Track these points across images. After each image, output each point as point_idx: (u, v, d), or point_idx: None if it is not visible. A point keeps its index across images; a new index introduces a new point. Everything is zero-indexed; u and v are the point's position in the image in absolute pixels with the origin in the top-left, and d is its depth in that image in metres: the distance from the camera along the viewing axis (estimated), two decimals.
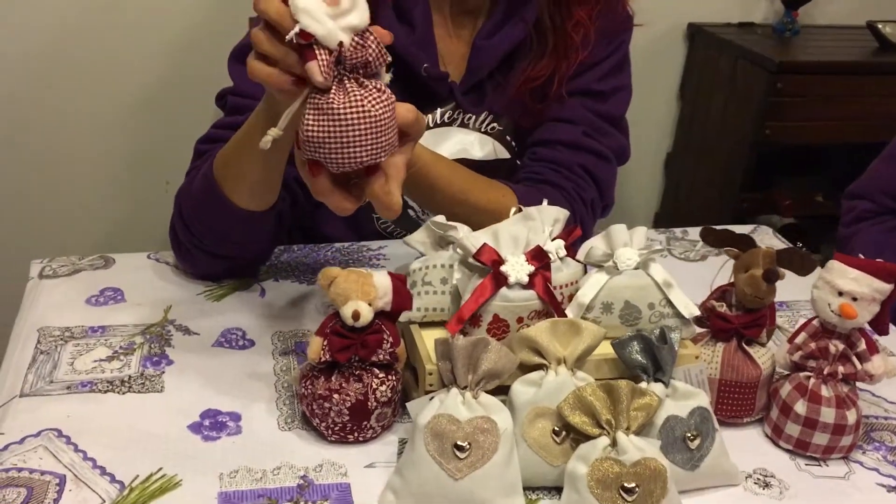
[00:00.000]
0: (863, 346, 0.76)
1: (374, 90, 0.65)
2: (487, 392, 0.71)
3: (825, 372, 0.76)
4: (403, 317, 0.77)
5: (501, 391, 0.73)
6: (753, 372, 0.78)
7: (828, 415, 0.75)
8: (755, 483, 0.74)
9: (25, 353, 0.84)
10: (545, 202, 0.86)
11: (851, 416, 0.75)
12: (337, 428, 0.73)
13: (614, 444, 0.67)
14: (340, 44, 0.63)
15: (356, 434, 0.74)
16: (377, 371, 0.74)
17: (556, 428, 0.70)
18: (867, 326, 0.77)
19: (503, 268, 0.76)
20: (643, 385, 0.72)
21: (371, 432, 0.75)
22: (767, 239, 1.20)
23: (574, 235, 0.86)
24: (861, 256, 0.77)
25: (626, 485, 0.65)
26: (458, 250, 0.81)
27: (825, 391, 0.75)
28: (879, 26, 1.88)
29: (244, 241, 0.94)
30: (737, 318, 0.79)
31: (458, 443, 0.67)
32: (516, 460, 0.69)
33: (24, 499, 0.66)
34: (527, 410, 0.71)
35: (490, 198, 0.94)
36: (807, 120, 1.73)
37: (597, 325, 0.80)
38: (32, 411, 0.76)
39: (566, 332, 0.73)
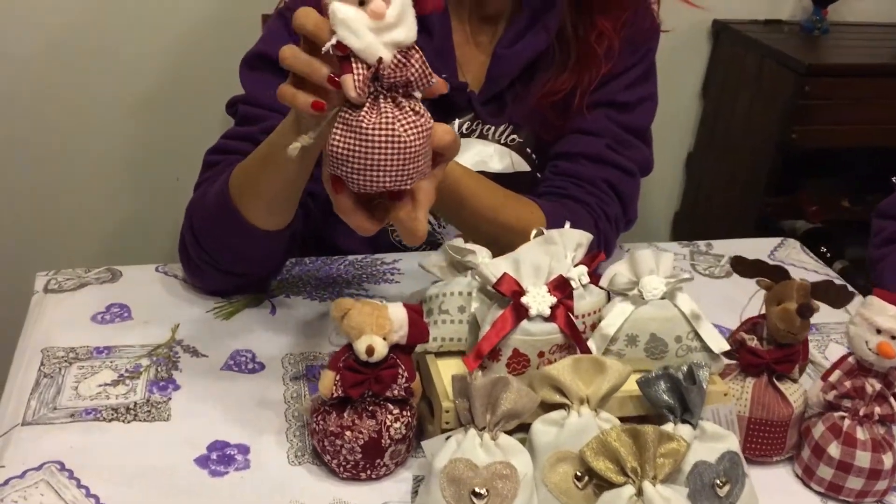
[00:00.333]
0: None
1: (409, 113, 0.62)
2: (506, 432, 0.68)
3: (861, 413, 0.72)
4: (418, 347, 0.74)
5: (521, 427, 0.70)
6: (785, 410, 0.75)
7: (863, 458, 0.72)
8: None
9: (28, 375, 0.81)
10: (567, 225, 0.83)
11: (888, 460, 0.72)
12: (349, 465, 0.71)
13: (640, 493, 0.63)
14: (380, 60, 0.60)
15: (369, 472, 0.71)
16: (391, 407, 0.71)
17: (579, 473, 0.67)
18: None
19: (524, 299, 0.73)
20: (670, 427, 0.69)
21: (384, 470, 0.72)
22: (795, 253, 1.16)
23: (597, 261, 0.82)
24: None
25: None
26: (477, 277, 0.77)
27: (861, 433, 0.72)
28: None
29: (258, 259, 0.91)
30: (768, 352, 0.76)
31: (476, 489, 0.64)
32: None
33: None
34: (548, 454, 0.67)
35: (519, 215, 0.90)
36: (835, 123, 1.68)
37: (621, 357, 0.77)
38: (35, 441, 0.73)
39: (590, 370, 0.70)
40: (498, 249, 0.91)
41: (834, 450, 0.72)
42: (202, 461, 0.72)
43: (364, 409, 0.70)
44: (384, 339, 0.69)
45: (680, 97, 1.89)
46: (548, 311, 0.73)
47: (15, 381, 0.81)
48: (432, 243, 1.06)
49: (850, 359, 0.74)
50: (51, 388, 0.80)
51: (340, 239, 1.08)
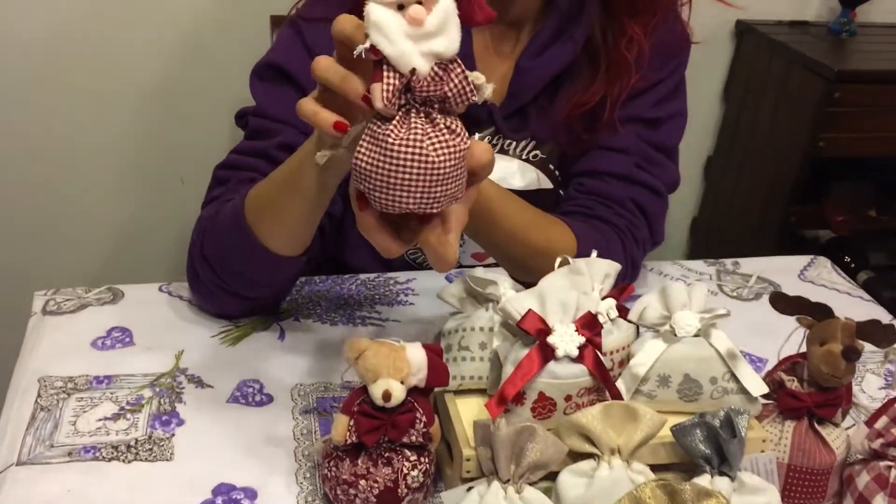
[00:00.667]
0: None
1: (443, 130, 0.57)
2: (531, 483, 0.63)
3: None
4: None
5: (548, 475, 0.65)
6: (827, 458, 0.70)
7: None
8: None
9: (25, 408, 0.77)
10: (594, 253, 0.78)
11: None
12: None
13: None
14: (413, 70, 0.54)
15: None
16: (408, 453, 0.67)
17: None
18: None
19: (550, 339, 0.68)
20: (706, 480, 0.64)
21: None
22: (826, 273, 1.11)
23: (626, 293, 0.77)
24: None
25: None
26: (499, 312, 0.73)
27: None
28: None
29: (274, 284, 0.87)
30: (809, 395, 0.71)
31: None
32: None
33: None
34: None
35: (549, 236, 0.85)
36: (864, 131, 1.62)
37: (652, 399, 0.73)
38: (30, 483, 0.69)
39: (621, 418, 0.65)
40: (525, 272, 0.87)
41: (880, 502, 0.68)
42: None
43: (380, 456, 0.66)
44: (402, 382, 0.65)
45: (700, 99, 1.84)
46: (576, 352, 0.68)
47: (10, 413, 0.77)
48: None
49: None
50: (48, 423, 0.76)
51: (349, 255, 1.03)
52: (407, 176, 0.56)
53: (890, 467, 0.68)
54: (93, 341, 0.87)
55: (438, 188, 0.57)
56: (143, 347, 0.86)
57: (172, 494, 0.69)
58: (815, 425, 0.71)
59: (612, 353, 0.75)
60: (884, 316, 1.00)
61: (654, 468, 0.67)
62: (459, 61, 0.56)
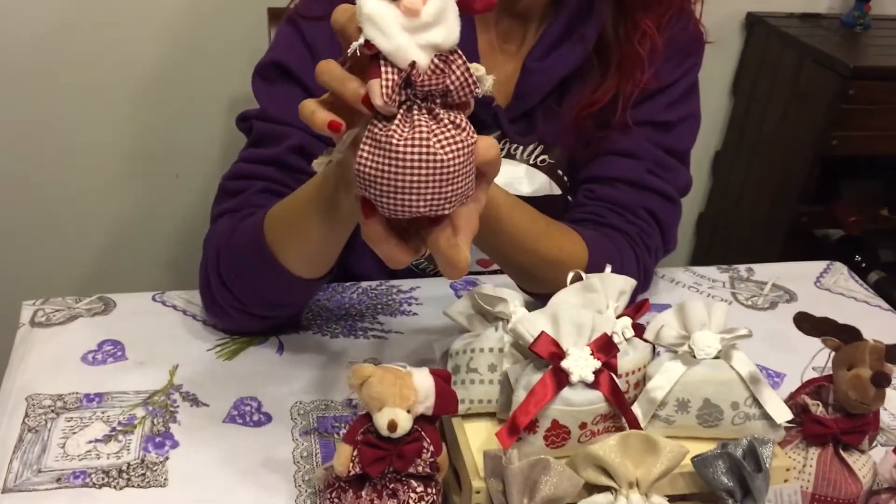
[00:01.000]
0: None
1: (448, 126, 0.53)
2: None
3: None
4: None
5: None
6: (853, 487, 0.67)
7: None
8: None
9: (12, 429, 0.74)
10: (608, 269, 0.74)
11: None
12: None
13: None
14: (413, 64, 0.51)
15: None
16: (415, 484, 0.63)
17: None
18: None
19: (564, 363, 0.64)
20: None
21: None
22: (843, 280, 1.07)
23: (642, 312, 0.74)
24: None
25: None
26: (510, 332, 0.69)
27: None
28: None
29: (294, 303, 0.84)
30: (835, 422, 0.68)
31: None
32: None
33: None
34: None
35: (561, 246, 0.81)
36: (878, 129, 1.58)
37: (670, 424, 0.69)
38: None
39: (640, 449, 0.62)
40: (533, 281, 0.84)
41: None
42: None
43: (384, 487, 0.63)
44: (408, 411, 0.61)
45: (708, 92, 1.78)
46: (591, 377, 0.64)
47: None
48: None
49: None
50: (35, 446, 0.72)
51: (354, 261, 1.00)
52: (415, 178, 0.53)
53: None
54: (83, 355, 0.83)
55: (449, 187, 0.54)
56: (136, 362, 0.83)
57: None
58: (841, 452, 0.68)
59: (627, 374, 0.71)
60: None
61: (673, 498, 0.64)
62: (460, 52, 0.53)
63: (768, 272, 1.07)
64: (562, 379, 0.64)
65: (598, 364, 0.65)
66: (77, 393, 0.78)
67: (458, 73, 0.52)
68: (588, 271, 0.77)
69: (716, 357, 0.69)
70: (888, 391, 0.89)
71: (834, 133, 1.56)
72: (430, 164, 0.52)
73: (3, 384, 0.80)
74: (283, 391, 0.81)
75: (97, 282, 1.74)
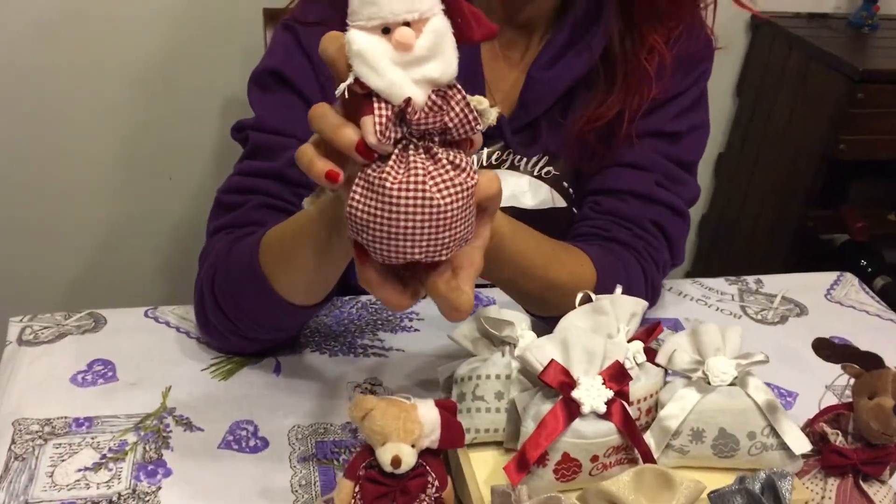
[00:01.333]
0: None
1: (447, 167, 0.50)
2: None
3: None
4: None
5: None
6: None
7: None
8: None
9: None
10: (619, 290, 0.71)
11: None
12: None
13: None
14: (408, 100, 0.48)
15: None
16: None
17: None
18: None
19: (575, 393, 0.62)
20: None
21: None
22: (854, 292, 1.05)
23: (655, 335, 0.71)
24: None
25: None
26: (518, 359, 0.66)
27: None
28: None
29: (290, 328, 0.81)
30: (856, 452, 0.65)
31: None
32: None
33: None
34: None
35: (570, 269, 0.78)
36: (887, 133, 1.54)
37: (684, 455, 0.67)
38: None
39: (655, 485, 0.59)
40: (541, 306, 0.80)
41: None
42: None
43: None
44: (413, 446, 0.58)
45: (711, 93, 1.75)
46: (603, 408, 0.62)
47: None
48: None
49: None
50: (22, 475, 0.69)
51: (351, 276, 0.96)
52: (410, 223, 0.49)
53: None
54: (72, 376, 0.80)
55: (446, 233, 0.51)
56: (127, 383, 0.80)
57: None
58: (861, 483, 0.65)
59: (639, 401, 0.68)
60: None
61: None
62: (459, 87, 0.50)
63: (777, 284, 1.05)
64: (573, 410, 0.62)
65: (610, 394, 0.62)
66: (66, 417, 0.75)
67: (457, 109, 0.49)
68: (596, 292, 0.74)
69: (731, 384, 0.67)
70: None
71: (841, 137, 1.53)
72: (426, 209, 0.49)
73: None
74: (281, 414, 0.78)
75: (88, 287, 1.71)
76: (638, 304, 0.71)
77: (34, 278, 1.69)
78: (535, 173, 0.91)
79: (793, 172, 1.66)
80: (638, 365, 0.69)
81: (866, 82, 1.49)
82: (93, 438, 0.73)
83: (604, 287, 0.78)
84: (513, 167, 0.91)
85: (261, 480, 0.70)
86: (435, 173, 0.49)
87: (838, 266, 1.11)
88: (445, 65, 0.48)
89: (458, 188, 0.50)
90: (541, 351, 0.63)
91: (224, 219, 0.82)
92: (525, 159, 0.91)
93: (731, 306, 1.00)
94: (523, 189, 0.90)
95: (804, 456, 0.68)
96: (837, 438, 0.66)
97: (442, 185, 0.49)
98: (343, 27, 0.49)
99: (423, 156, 0.50)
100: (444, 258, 0.52)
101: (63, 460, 0.71)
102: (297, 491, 0.70)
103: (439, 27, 0.47)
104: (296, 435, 0.76)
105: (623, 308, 0.70)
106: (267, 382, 0.81)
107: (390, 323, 0.91)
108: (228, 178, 0.85)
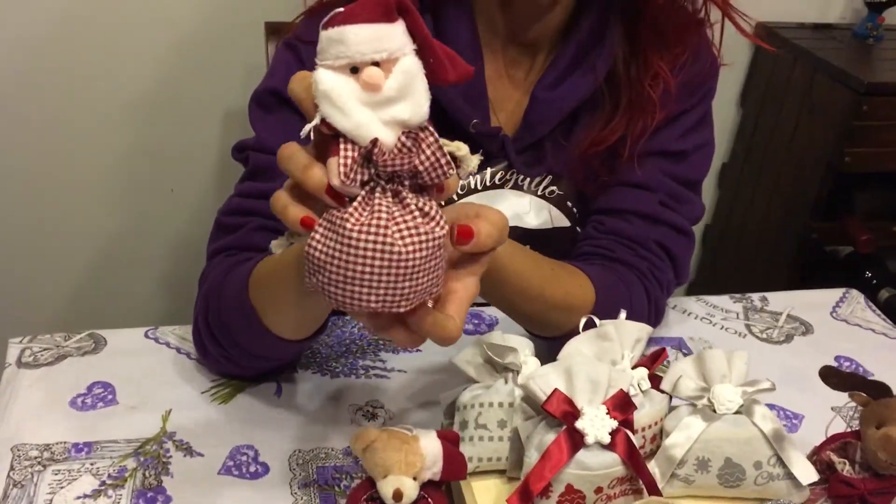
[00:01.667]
0: None
1: (414, 214, 0.48)
2: None
3: None
4: None
5: None
6: None
7: None
8: None
9: None
10: (623, 315, 0.71)
11: None
12: None
13: None
14: (375, 141, 0.46)
15: None
16: None
17: None
18: None
19: (579, 423, 0.61)
20: None
21: None
22: (860, 310, 1.04)
23: (660, 361, 0.70)
24: None
25: None
26: (521, 387, 0.66)
27: None
28: None
29: (283, 358, 0.80)
30: (863, 482, 0.64)
31: None
32: None
33: None
34: None
35: (568, 290, 0.77)
36: (893, 145, 1.53)
37: (689, 485, 0.66)
38: None
39: None
40: (540, 326, 0.80)
41: None
42: None
43: None
44: (414, 478, 0.58)
45: (715, 102, 1.75)
46: (608, 439, 0.61)
47: None
48: None
49: None
50: (21, 503, 0.68)
51: None
52: (368, 268, 0.47)
53: None
54: (72, 400, 0.79)
55: (406, 283, 0.48)
56: (127, 406, 0.79)
57: None
58: None
59: (643, 429, 0.68)
60: None
61: None
62: (432, 129, 0.48)
63: (783, 301, 1.04)
64: (576, 440, 0.61)
65: (614, 424, 0.61)
66: (65, 442, 0.74)
67: (428, 152, 0.47)
68: (596, 313, 0.74)
69: (737, 412, 0.66)
70: None
71: (847, 150, 1.52)
72: (386, 256, 0.47)
73: None
74: (281, 438, 0.77)
75: (89, 299, 1.70)
76: (643, 330, 0.70)
77: (35, 288, 1.68)
78: (539, 193, 0.90)
79: (797, 184, 1.65)
80: (642, 392, 0.68)
81: (872, 95, 1.48)
82: (92, 464, 0.73)
83: (604, 307, 0.78)
84: (516, 187, 0.90)
85: None
86: (400, 219, 0.48)
87: (843, 277, 1.10)
88: (416, 106, 0.47)
89: (424, 237, 0.48)
90: (544, 380, 0.63)
91: (223, 241, 0.82)
92: (529, 179, 0.90)
93: (737, 325, 0.99)
94: (526, 209, 0.90)
95: (811, 485, 0.67)
96: (845, 468, 0.65)
97: (406, 233, 0.47)
98: None
99: (389, 199, 0.48)
100: (402, 310, 0.50)
101: (62, 487, 0.70)
102: None
103: (410, 67, 0.46)
104: (296, 460, 0.75)
105: (627, 334, 0.69)
106: (267, 405, 0.81)
107: (391, 343, 0.90)
108: (229, 200, 0.84)
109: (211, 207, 0.87)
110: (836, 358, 0.94)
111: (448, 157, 0.48)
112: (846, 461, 0.66)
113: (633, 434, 0.64)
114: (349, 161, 0.47)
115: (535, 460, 0.61)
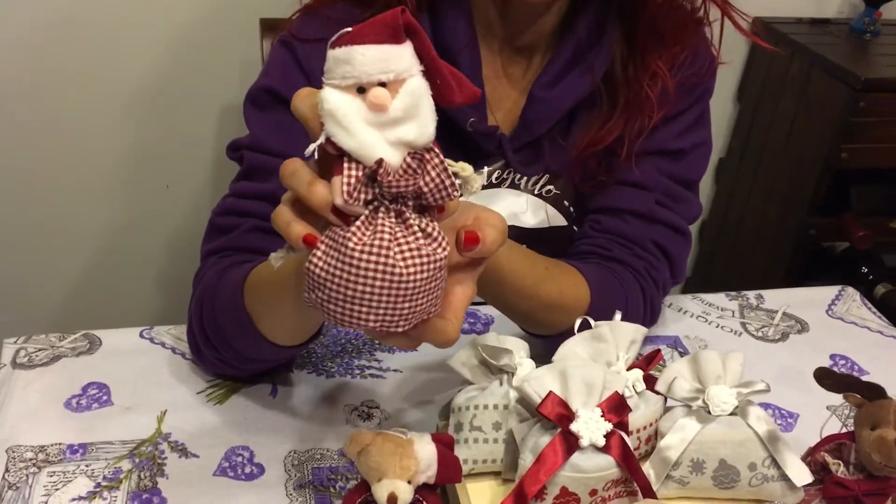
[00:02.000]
0: None
1: (417, 235, 0.48)
2: None
3: None
4: None
5: None
6: None
7: None
8: None
9: None
10: (618, 316, 0.71)
11: None
12: None
13: None
14: (380, 161, 0.46)
15: None
16: None
17: None
18: None
19: (574, 426, 0.61)
20: None
21: None
22: (855, 308, 1.04)
23: (655, 363, 0.70)
24: None
25: None
26: (516, 389, 0.66)
27: None
28: None
29: (278, 360, 0.80)
30: (857, 483, 0.64)
31: None
32: None
33: None
34: None
35: (562, 289, 0.77)
36: (890, 141, 1.53)
37: (684, 486, 0.66)
38: None
39: None
40: (535, 325, 0.80)
41: None
42: None
43: None
44: (409, 482, 0.58)
45: (712, 99, 1.75)
46: (602, 441, 0.61)
47: None
48: None
49: None
50: None
51: None
52: (368, 288, 0.47)
53: None
54: (66, 401, 0.79)
55: (406, 304, 0.48)
56: (122, 407, 0.79)
57: None
58: None
59: (638, 430, 0.68)
60: None
61: None
62: (437, 150, 0.48)
63: (778, 299, 1.04)
64: (571, 443, 0.61)
65: (609, 426, 0.61)
66: (60, 444, 0.74)
67: (433, 173, 0.47)
68: (591, 312, 0.74)
69: (732, 413, 0.66)
70: None
71: (843, 146, 1.52)
72: (387, 277, 0.47)
73: None
74: (276, 439, 0.77)
75: (83, 299, 1.70)
76: (638, 332, 0.70)
77: (29, 288, 1.67)
78: (536, 192, 0.90)
79: (794, 180, 1.65)
80: (637, 393, 0.68)
81: (868, 91, 1.48)
82: (87, 466, 0.73)
83: (599, 306, 0.78)
84: (513, 185, 0.90)
85: None
86: (402, 240, 0.48)
87: (839, 273, 1.10)
88: (422, 127, 0.47)
89: (426, 259, 0.48)
90: (539, 382, 0.63)
91: (217, 242, 0.81)
92: (526, 178, 0.89)
93: (732, 323, 0.99)
94: (523, 208, 0.89)
95: (805, 486, 0.67)
96: (839, 469, 0.65)
97: (408, 254, 0.48)
98: None
99: (392, 220, 0.48)
100: (400, 330, 0.50)
101: (57, 489, 0.70)
102: None
103: (416, 88, 0.46)
104: (292, 461, 0.75)
105: (623, 335, 0.69)
106: (263, 406, 0.81)
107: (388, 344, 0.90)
108: (223, 199, 0.84)
109: (207, 204, 0.87)
110: (832, 356, 0.94)
111: (453, 178, 0.48)
112: (840, 462, 0.66)
113: (628, 436, 0.64)
114: (353, 180, 0.47)
115: (529, 463, 0.61)
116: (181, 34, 1.50)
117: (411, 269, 0.47)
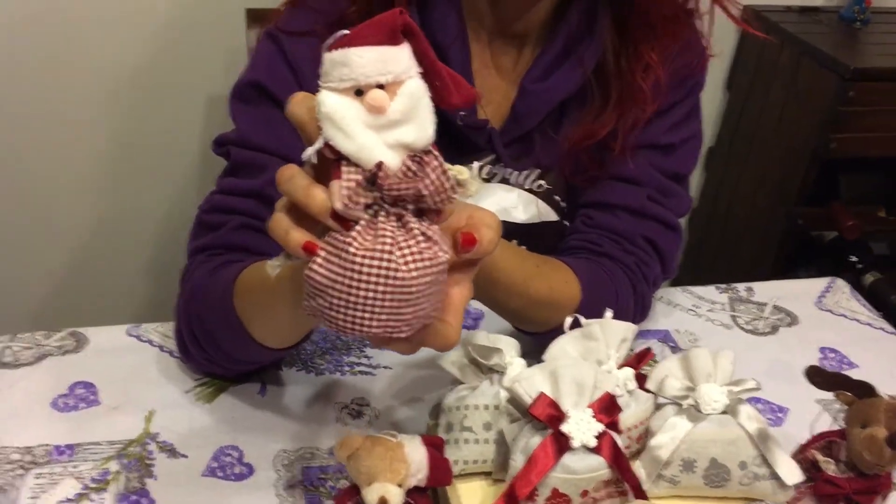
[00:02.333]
0: None
1: (418, 239, 0.47)
2: None
3: None
4: None
5: None
6: None
7: None
8: None
9: None
10: (608, 314, 0.70)
11: None
12: None
13: None
14: (380, 164, 0.46)
15: None
16: None
17: None
18: None
19: (565, 427, 0.61)
20: None
21: None
22: (844, 300, 1.04)
23: (645, 360, 0.70)
24: None
25: None
26: (506, 390, 0.65)
27: None
28: None
29: (266, 361, 0.79)
30: (848, 481, 0.65)
31: None
32: None
33: None
34: None
35: (553, 286, 0.77)
36: (879, 131, 1.53)
37: (675, 485, 0.66)
38: None
39: None
40: (525, 322, 0.80)
41: None
42: None
43: None
44: (399, 485, 0.57)
45: None
46: (593, 441, 0.61)
47: None
48: None
49: None
50: None
51: None
52: (371, 293, 0.46)
53: None
54: (53, 401, 0.78)
55: (408, 309, 0.47)
56: (109, 407, 0.78)
57: None
58: None
59: (629, 429, 0.68)
60: None
61: None
62: (436, 152, 0.47)
63: (768, 292, 1.04)
64: (562, 444, 0.61)
65: (600, 427, 0.61)
66: (47, 445, 0.74)
67: (433, 176, 0.47)
68: (581, 308, 0.73)
69: (723, 412, 0.66)
70: None
71: (832, 136, 1.52)
72: (390, 282, 0.46)
73: None
74: (266, 438, 0.76)
75: (69, 296, 1.68)
76: (628, 330, 0.70)
77: (13, 284, 1.66)
78: (527, 187, 0.89)
79: (783, 168, 1.65)
80: (628, 392, 0.68)
81: (858, 80, 1.48)
82: (74, 467, 0.72)
83: (590, 303, 0.78)
84: (504, 180, 0.89)
85: None
86: (404, 244, 0.47)
87: (828, 262, 1.10)
88: (420, 129, 0.46)
89: (427, 263, 0.47)
90: (529, 382, 0.62)
91: (205, 239, 0.80)
92: (517, 172, 0.89)
93: (722, 316, 0.99)
94: (514, 203, 0.89)
95: (796, 484, 0.67)
96: (830, 467, 0.65)
97: (410, 258, 0.47)
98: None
99: (393, 223, 0.47)
100: (403, 335, 0.49)
101: (44, 491, 0.69)
102: None
103: (415, 90, 0.45)
104: (282, 461, 0.74)
105: (613, 333, 0.69)
106: (252, 405, 0.80)
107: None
108: (210, 196, 0.83)
109: (192, 197, 0.86)
110: (821, 349, 0.94)
111: (453, 181, 0.48)
112: (831, 460, 0.66)
113: (619, 434, 0.64)
114: (352, 185, 0.46)
115: (520, 464, 0.61)
116: (166, 24, 1.48)
117: (414, 274, 0.47)
